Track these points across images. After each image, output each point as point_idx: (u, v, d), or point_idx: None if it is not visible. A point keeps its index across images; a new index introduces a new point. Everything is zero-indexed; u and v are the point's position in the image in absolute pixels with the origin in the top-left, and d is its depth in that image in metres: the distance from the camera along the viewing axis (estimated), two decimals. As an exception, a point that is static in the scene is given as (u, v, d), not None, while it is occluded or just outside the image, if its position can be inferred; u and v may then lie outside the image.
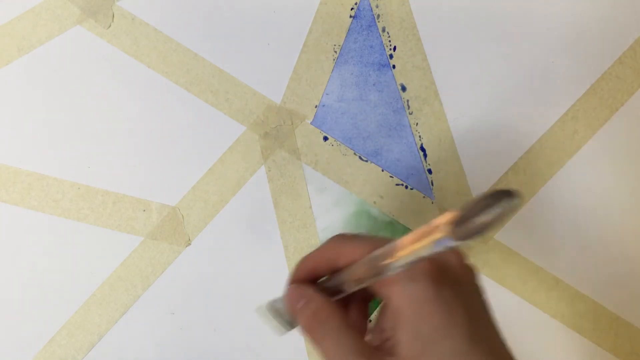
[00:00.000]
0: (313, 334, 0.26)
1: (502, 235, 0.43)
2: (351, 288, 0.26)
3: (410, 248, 0.22)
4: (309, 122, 0.43)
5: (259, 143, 0.43)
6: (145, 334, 0.42)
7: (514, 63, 0.43)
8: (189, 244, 0.43)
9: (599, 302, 0.43)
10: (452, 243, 0.20)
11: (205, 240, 0.43)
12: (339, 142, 0.43)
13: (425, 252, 0.21)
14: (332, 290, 0.27)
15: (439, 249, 0.21)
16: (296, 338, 0.42)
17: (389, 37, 0.43)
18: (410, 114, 0.43)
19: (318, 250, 0.28)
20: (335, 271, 0.27)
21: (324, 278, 0.29)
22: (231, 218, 0.43)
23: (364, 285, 0.25)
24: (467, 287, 0.25)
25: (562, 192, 0.43)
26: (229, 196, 0.43)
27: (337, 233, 0.30)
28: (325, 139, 0.43)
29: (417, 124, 0.43)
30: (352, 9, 0.43)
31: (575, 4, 0.44)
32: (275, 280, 0.42)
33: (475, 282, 0.26)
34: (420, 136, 0.43)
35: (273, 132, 0.43)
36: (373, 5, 0.43)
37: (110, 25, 0.43)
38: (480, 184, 0.43)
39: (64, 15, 0.43)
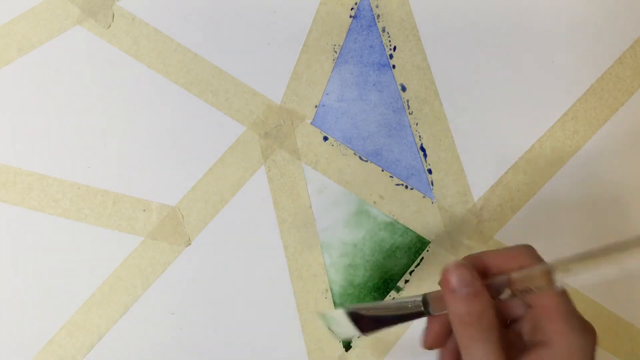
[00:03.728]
0: (468, 330, 0.25)
1: (502, 235, 0.43)
2: (506, 296, 0.25)
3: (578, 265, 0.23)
4: (309, 122, 0.43)
5: (259, 143, 0.43)
6: (145, 334, 0.42)
7: (514, 63, 0.43)
8: (189, 244, 0.43)
9: (599, 302, 0.43)
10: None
11: (205, 240, 0.43)
12: (339, 142, 0.43)
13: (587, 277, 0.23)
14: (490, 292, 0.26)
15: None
16: (296, 338, 0.42)
17: (389, 37, 0.43)
18: (410, 114, 0.43)
19: (498, 251, 0.28)
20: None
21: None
22: (231, 218, 0.43)
23: (521, 295, 0.25)
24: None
25: (562, 192, 0.43)
26: (229, 196, 0.43)
27: (525, 244, 0.29)
28: (325, 139, 0.43)
29: (417, 124, 0.43)
30: (352, 9, 0.43)
31: (575, 4, 0.44)
32: (276, 280, 0.42)
33: None
34: (420, 136, 0.43)
35: (273, 132, 0.43)
36: (373, 5, 0.43)
37: (110, 25, 0.43)
38: (480, 184, 0.43)
39: (64, 15, 0.43)
